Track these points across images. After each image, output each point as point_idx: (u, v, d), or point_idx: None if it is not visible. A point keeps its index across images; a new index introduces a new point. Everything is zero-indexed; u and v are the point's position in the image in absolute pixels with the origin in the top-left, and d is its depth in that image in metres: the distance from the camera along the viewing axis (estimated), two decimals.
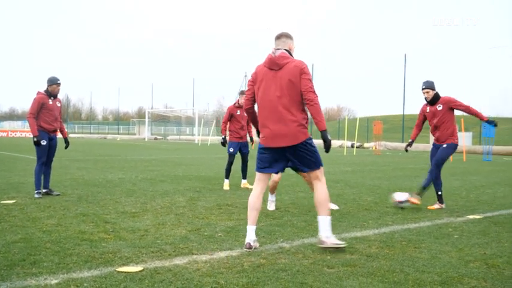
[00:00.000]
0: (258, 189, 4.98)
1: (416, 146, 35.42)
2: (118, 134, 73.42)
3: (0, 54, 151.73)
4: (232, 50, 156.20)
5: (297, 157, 4.87)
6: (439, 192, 7.61)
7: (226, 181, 9.70)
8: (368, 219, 6.51)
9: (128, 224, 5.87)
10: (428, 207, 7.59)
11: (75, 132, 78.78)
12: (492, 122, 7.54)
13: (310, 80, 4.81)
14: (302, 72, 4.76)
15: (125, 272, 3.94)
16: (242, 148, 9.83)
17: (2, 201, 7.43)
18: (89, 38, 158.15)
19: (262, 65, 4.94)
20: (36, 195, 7.94)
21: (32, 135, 7.97)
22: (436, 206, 7.59)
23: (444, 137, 7.52)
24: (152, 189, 9.31)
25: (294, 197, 8.54)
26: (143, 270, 4.02)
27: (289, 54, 4.91)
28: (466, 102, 7.49)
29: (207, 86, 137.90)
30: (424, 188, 7.56)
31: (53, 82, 8.20)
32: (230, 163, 9.79)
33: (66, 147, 8.90)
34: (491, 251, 4.86)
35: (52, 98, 8.22)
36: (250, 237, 4.79)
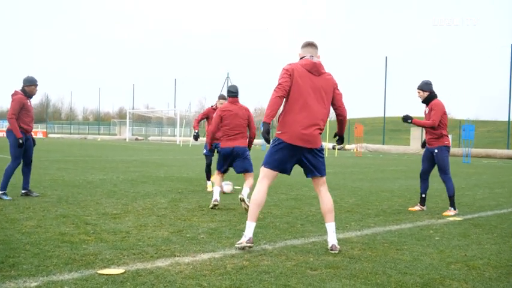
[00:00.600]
0: (265, 185, 4.96)
1: (397, 148, 35.77)
2: (99, 134, 72.80)
3: None
4: (214, 50, 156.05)
5: (313, 160, 4.99)
6: (423, 195, 7.66)
7: (209, 183, 9.64)
8: (350, 221, 6.53)
9: (109, 226, 5.80)
10: (410, 208, 7.65)
11: (54, 132, 77.87)
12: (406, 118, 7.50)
13: (342, 96, 5.10)
14: (336, 87, 5.05)
15: (107, 275, 3.89)
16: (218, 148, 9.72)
17: None
18: (68, 35, 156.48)
19: (300, 65, 4.91)
20: (4, 197, 7.71)
21: (17, 137, 7.72)
22: (417, 207, 7.64)
23: (433, 140, 7.46)
24: (133, 190, 9.24)
25: (276, 198, 8.54)
26: (125, 272, 3.97)
27: None
28: (433, 119, 7.26)
29: (189, 86, 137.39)
30: (451, 197, 7.41)
31: (32, 83, 8.01)
32: (208, 165, 9.69)
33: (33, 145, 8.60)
34: (472, 253, 4.92)
35: (29, 98, 8.07)
36: (250, 233, 4.81)
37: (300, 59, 5.06)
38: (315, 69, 4.91)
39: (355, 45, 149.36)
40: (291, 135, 4.87)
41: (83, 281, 3.72)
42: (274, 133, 5.46)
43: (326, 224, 4.98)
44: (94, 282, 3.71)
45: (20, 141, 7.77)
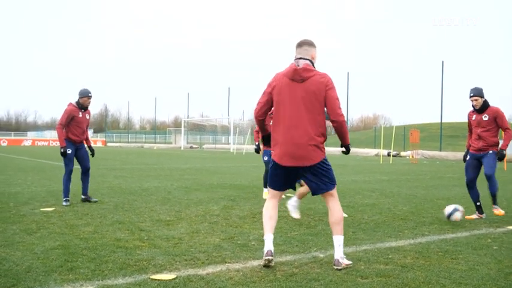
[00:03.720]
0: (274, 201, 4.72)
1: (455, 155, 34.72)
2: (155, 142, 74.42)
3: (43, 66, 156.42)
4: (268, 58, 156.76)
5: (313, 176, 4.58)
6: (478, 203, 7.43)
7: (265, 190, 9.69)
8: (403, 229, 6.40)
9: (162, 232, 5.93)
10: (467, 217, 7.42)
11: (113, 141, 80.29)
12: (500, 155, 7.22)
13: (337, 98, 4.53)
14: (328, 88, 4.49)
15: (159, 280, 3.99)
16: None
17: (41, 209, 7.62)
18: (125, 48, 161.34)
19: (283, 75, 4.59)
20: (64, 203, 8.10)
21: (61, 146, 8.12)
22: (475, 216, 7.41)
23: (487, 148, 7.27)
24: (187, 197, 9.40)
25: None
26: (176, 278, 4.05)
27: (312, 65, 4.60)
28: (508, 128, 7.24)
29: (243, 94, 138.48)
30: (494, 196, 7.50)
31: (84, 95, 8.37)
32: (267, 171, 9.76)
33: (92, 156, 8.98)
34: None
35: (82, 110, 8.41)
36: (270, 245, 4.48)
37: None
38: (297, 77, 4.49)
39: (411, 49, 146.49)
40: (280, 155, 4.55)
41: (135, 286, 3.83)
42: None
43: (333, 237, 4.58)
44: (146, 287, 3.81)
45: (62, 150, 8.15)
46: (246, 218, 7.13)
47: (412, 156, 30.98)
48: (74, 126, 8.31)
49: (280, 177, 4.66)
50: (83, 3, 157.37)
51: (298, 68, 4.51)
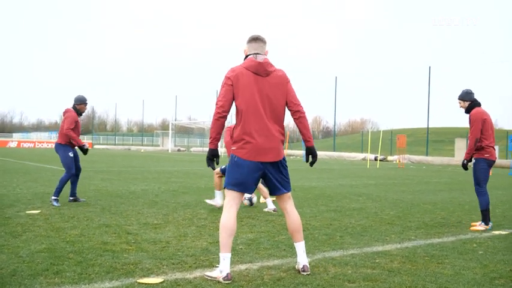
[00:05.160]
0: (234, 211, 4.36)
1: (441, 160, 35.02)
2: (142, 145, 74.13)
3: (29, 67, 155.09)
4: None
5: (278, 175, 4.44)
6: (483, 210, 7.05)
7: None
8: (390, 234, 6.43)
9: (149, 236, 5.91)
10: (472, 228, 6.98)
11: (100, 144, 79.80)
12: None
13: (295, 93, 4.53)
14: (287, 81, 4.47)
15: (146, 284, 3.97)
16: None
17: (27, 211, 7.55)
18: (112, 50, 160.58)
19: (244, 69, 4.39)
20: (55, 203, 8.23)
21: (80, 145, 8.60)
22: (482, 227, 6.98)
23: (475, 153, 7.01)
24: (174, 200, 9.37)
25: (316, 210, 8.50)
26: (164, 281, 4.04)
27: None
28: (472, 134, 6.89)
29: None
30: (482, 211, 7.00)
31: (82, 101, 8.77)
32: None
33: (85, 154, 9.02)
34: None
35: (79, 116, 8.80)
36: (227, 267, 4.16)
37: (246, 57, 4.51)
38: (262, 70, 4.36)
39: (399, 54, 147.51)
40: (247, 150, 4.32)
41: None
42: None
43: (295, 244, 4.47)
44: None
45: (85, 147, 8.71)
46: None
47: (399, 161, 31.17)
48: (75, 131, 8.61)
49: (245, 176, 4.35)
50: (78, 5, 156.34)
51: (262, 61, 4.39)
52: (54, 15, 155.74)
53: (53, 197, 8.31)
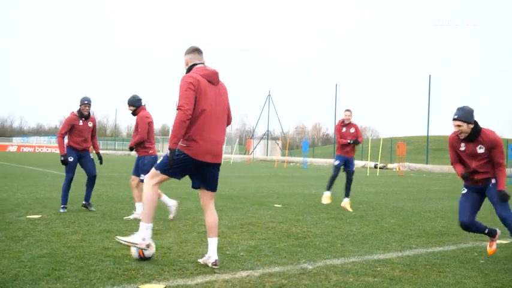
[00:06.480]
0: (158, 187, 4.94)
1: (441, 168, 35.00)
2: None
3: (29, 72, 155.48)
4: (255, 67, 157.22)
5: (215, 175, 4.97)
6: (486, 230, 5.69)
7: (326, 193, 10.01)
8: (391, 242, 6.43)
9: None
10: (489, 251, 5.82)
11: (100, 149, 79.71)
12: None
13: None
14: (227, 92, 5.04)
15: None
16: (348, 164, 9.99)
17: (28, 216, 7.55)
18: (112, 54, 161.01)
19: (200, 76, 4.73)
20: (61, 210, 8.14)
21: (61, 153, 8.18)
22: (493, 244, 5.80)
23: (490, 176, 5.41)
24: None
25: (317, 217, 8.50)
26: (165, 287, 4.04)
27: None
28: (501, 161, 5.31)
29: (230, 104, 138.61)
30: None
31: (81, 102, 8.46)
32: (334, 176, 10.01)
33: (100, 163, 8.99)
34: None
35: (83, 118, 8.47)
36: (149, 235, 4.91)
37: (190, 66, 4.89)
38: (215, 79, 4.83)
39: (399, 62, 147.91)
40: (198, 150, 4.73)
41: None
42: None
43: (210, 239, 4.90)
44: None
45: (62, 158, 8.21)
46: (235, 228, 7.11)
47: (399, 169, 31.18)
48: (75, 135, 8.43)
49: (184, 170, 4.82)
50: (77, 10, 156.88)
51: (215, 70, 4.86)
52: (54, 20, 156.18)
53: (61, 206, 8.21)
